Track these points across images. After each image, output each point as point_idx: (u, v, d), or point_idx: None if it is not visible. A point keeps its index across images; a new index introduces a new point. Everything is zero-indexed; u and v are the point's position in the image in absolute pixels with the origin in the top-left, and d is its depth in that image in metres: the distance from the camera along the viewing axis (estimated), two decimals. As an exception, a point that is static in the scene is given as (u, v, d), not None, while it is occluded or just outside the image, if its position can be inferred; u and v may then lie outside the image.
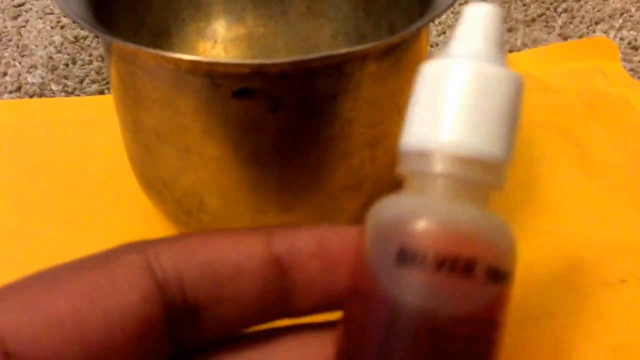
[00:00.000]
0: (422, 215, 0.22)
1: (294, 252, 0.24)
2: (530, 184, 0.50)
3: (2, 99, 0.60)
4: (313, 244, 0.25)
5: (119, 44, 0.33)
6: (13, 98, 0.60)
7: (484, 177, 0.23)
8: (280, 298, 0.25)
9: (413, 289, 0.21)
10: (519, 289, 0.41)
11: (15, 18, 0.71)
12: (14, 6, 0.73)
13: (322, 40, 0.53)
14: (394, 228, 0.22)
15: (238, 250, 0.24)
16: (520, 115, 0.23)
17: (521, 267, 0.42)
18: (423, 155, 0.23)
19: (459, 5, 0.71)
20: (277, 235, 0.25)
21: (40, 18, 0.71)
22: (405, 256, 0.21)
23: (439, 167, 0.22)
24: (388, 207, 0.23)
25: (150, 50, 0.33)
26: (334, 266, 0.24)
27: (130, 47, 0.33)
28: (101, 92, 0.60)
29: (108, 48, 0.37)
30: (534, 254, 0.44)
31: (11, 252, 0.45)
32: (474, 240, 0.22)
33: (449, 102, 0.22)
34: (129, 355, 0.22)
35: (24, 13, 0.72)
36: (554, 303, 0.41)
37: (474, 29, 0.24)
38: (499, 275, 0.22)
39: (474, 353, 0.22)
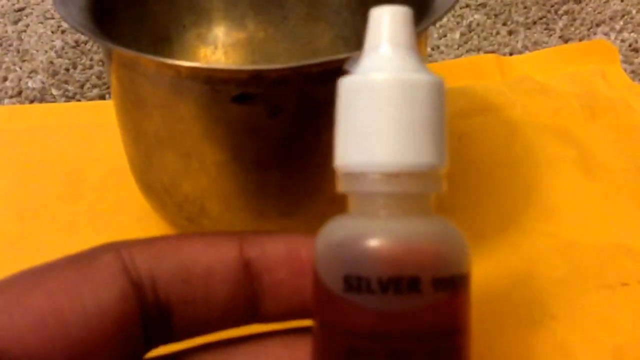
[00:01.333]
0: (361, 239, 0.22)
1: (264, 256, 0.25)
2: (530, 186, 0.50)
3: (3, 104, 0.60)
4: (283, 250, 0.25)
5: (119, 50, 0.33)
6: (14, 103, 0.60)
7: (421, 187, 0.23)
8: (249, 302, 0.25)
9: (363, 313, 0.21)
10: (521, 292, 0.41)
11: (15, 23, 0.71)
12: (15, 11, 0.73)
13: (322, 45, 0.53)
14: (338, 253, 0.22)
15: (210, 253, 0.25)
16: (446, 117, 0.23)
17: (523, 270, 0.42)
18: (357, 176, 0.23)
19: (460, 8, 0.71)
20: (249, 240, 0.25)
21: (41, 23, 0.71)
22: (350, 283, 0.22)
23: (373, 186, 0.22)
24: (333, 231, 0.23)
25: (150, 56, 0.33)
26: (302, 273, 0.25)
27: (131, 53, 0.33)
28: (102, 97, 0.60)
29: (108, 54, 0.37)
30: (535, 257, 0.44)
31: (12, 257, 0.45)
32: (414, 256, 0.22)
33: (372, 119, 0.22)
34: (107, 353, 0.23)
35: (25, 18, 0.73)
36: (556, 306, 0.41)
37: (382, 35, 0.23)
38: (447, 283, 0.22)
39: None
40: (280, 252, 0.25)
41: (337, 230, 0.23)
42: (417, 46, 0.23)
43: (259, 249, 0.25)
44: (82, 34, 0.34)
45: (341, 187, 0.24)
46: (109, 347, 0.23)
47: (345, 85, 0.23)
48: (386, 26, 0.23)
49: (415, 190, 0.22)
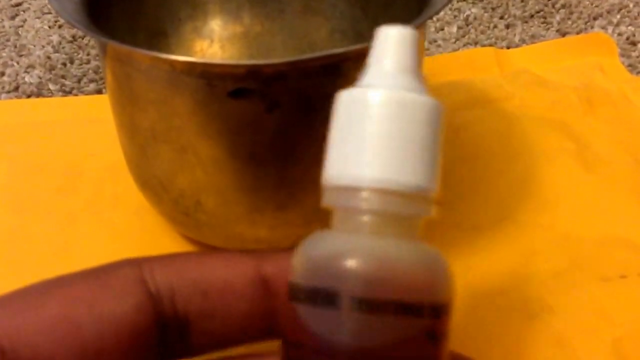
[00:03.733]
0: (330, 254, 0.22)
1: (282, 274, 0.25)
2: (528, 179, 0.50)
3: (0, 99, 0.60)
4: None
5: (113, 45, 0.33)
6: (11, 98, 0.60)
7: (410, 209, 0.22)
8: (267, 318, 0.25)
9: (301, 326, 0.21)
10: (519, 285, 0.41)
11: (13, 18, 0.71)
12: (12, 6, 0.73)
13: (319, 38, 0.53)
14: (308, 266, 0.22)
15: (229, 269, 0.25)
16: (442, 142, 0.23)
17: (520, 263, 0.42)
18: (345, 190, 0.22)
19: (457, 2, 0.71)
20: (267, 258, 0.26)
21: (38, 18, 0.71)
22: (293, 291, 0.22)
23: (359, 202, 0.22)
24: (309, 243, 0.23)
25: (144, 51, 0.33)
26: None
27: (125, 48, 0.33)
28: (99, 92, 0.60)
29: (103, 49, 0.37)
30: (533, 249, 0.44)
31: (9, 252, 0.45)
32: (383, 278, 0.21)
33: (366, 134, 0.22)
34: None
35: (22, 13, 0.72)
36: (554, 299, 0.41)
37: (386, 53, 0.23)
38: (413, 310, 0.21)
39: None
40: None
41: (311, 243, 0.23)
42: (420, 69, 0.23)
43: (276, 267, 0.25)
44: (76, 28, 0.34)
45: (326, 200, 0.23)
46: (122, 355, 0.23)
47: (343, 98, 0.23)
48: (391, 45, 0.23)
49: (401, 211, 0.22)
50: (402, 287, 0.21)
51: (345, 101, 0.23)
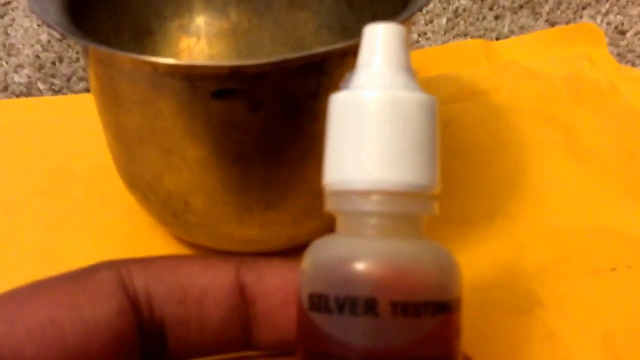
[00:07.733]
0: (329, 259, 0.22)
1: (259, 282, 0.25)
2: (517, 171, 0.50)
3: (-11, 99, 0.60)
4: (278, 278, 0.25)
5: (94, 47, 0.33)
6: (0, 98, 0.60)
7: (410, 208, 0.22)
8: (243, 327, 0.25)
9: (320, 334, 0.21)
10: (509, 279, 0.41)
11: (1, 17, 0.71)
12: (0, 5, 0.73)
13: (306, 33, 0.52)
14: (306, 271, 0.22)
15: (206, 275, 0.25)
16: (439, 137, 0.23)
17: (510, 257, 0.42)
18: (345, 194, 0.22)
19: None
20: (246, 265, 0.25)
21: (27, 16, 0.71)
22: (312, 301, 0.21)
23: (361, 206, 0.22)
24: (316, 249, 0.23)
25: (125, 53, 0.32)
26: (295, 303, 0.24)
27: (106, 50, 0.33)
28: (88, 90, 0.60)
29: (85, 51, 0.37)
30: (522, 242, 0.44)
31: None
32: (372, 277, 0.21)
33: (363, 137, 0.22)
34: None
35: (11, 12, 0.72)
36: (544, 292, 0.41)
37: (374, 52, 0.23)
38: (438, 306, 0.21)
39: None
40: (276, 280, 0.25)
41: (320, 249, 0.23)
42: (410, 64, 0.23)
43: (255, 275, 0.25)
44: (56, 30, 0.34)
45: (329, 205, 0.23)
46: (106, 359, 0.23)
47: (336, 102, 0.23)
48: (379, 43, 0.23)
49: (404, 211, 0.22)
50: (427, 286, 0.21)
51: (339, 105, 0.23)
